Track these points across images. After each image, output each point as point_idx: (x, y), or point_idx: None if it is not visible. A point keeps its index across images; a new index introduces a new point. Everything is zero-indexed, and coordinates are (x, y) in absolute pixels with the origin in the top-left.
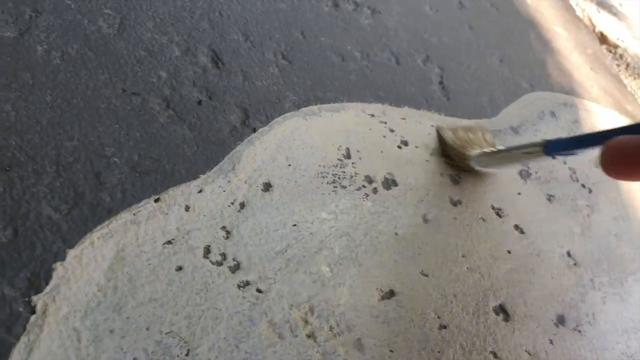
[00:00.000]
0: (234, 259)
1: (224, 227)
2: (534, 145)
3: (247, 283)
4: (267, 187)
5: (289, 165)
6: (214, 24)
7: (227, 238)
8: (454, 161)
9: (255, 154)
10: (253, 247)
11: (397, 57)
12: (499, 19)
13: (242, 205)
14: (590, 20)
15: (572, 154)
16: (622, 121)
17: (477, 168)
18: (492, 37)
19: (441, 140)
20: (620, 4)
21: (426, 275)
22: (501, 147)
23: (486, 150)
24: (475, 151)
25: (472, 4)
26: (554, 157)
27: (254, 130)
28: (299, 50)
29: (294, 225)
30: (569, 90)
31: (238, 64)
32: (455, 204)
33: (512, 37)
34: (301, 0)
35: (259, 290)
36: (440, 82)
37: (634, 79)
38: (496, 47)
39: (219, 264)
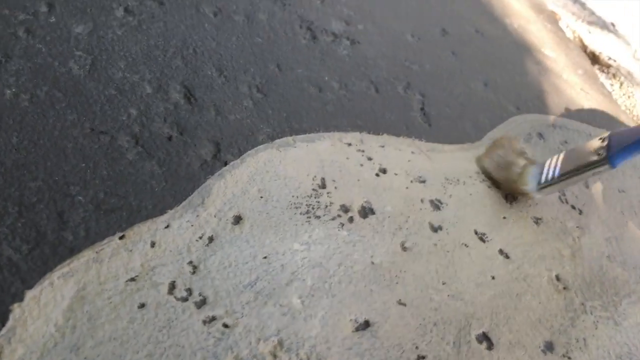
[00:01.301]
0: (200, 294)
1: (190, 262)
2: (597, 163)
3: (213, 318)
4: (238, 220)
5: (261, 197)
6: (187, 61)
7: (193, 273)
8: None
9: (226, 187)
10: (220, 281)
11: (376, 86)
12: (483, 45)
13: (211, 239)
14: (581, 41)
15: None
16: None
17: (538, 196)
18: (476, 62)
19: (488, 176)
20: (613, 24)
21: (404, 305)
22: (558, 171)
23: (547, 182)
24: (531, 184)
25: (455, 30)
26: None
27: (226, 164)
28: (274, 83)
29: (265, 257)
30: (558, 111)
31: (211, 99)
32: (436, 230)
33: (498, 61)
34: (278, 33)
35: (225, 325)
36: (422, 109)
37: (628, 97)
38: (480, 72)
39: (184, 299)
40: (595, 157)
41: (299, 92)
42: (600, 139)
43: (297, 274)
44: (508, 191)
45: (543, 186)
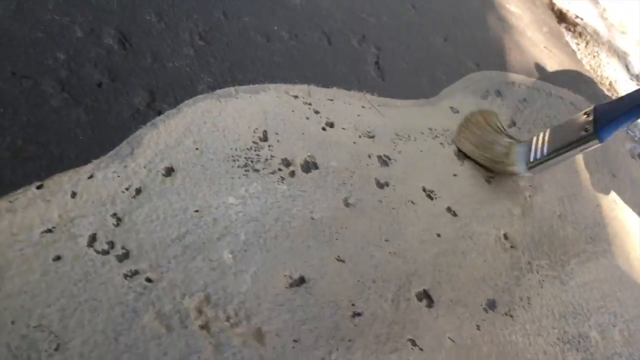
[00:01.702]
0: (122, 247)
1: (114, 214)
2: (585, 139)
3: (136, 272)
4: (169, 171)
5: (196, 149)
6: (124, 5)
7: (117, 225)
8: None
9: (159, 137)
10: (146, 235)
11: (329, 37)
12: None
13: (138, 191)
14: None
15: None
16: (576, 99)
17: (528, 175)
18: (437, 16)
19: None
20: None
21: (342, 261)
22: (546, 148)
23: (536, 160)
24: (520, 164)
25: None
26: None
27: (160, 113)
28: (218, 31)
29: (196, 211)
30: (520, 69)
31: (148, 45)
32: (382, 186)
33: (460, 16)
34: None
35: (148, 280)
36: (376, 63)
37: (593, 57)
38: (441, 27)
39: (105, 252)
40: (583, 133)
41: (245, 41)
42: (585, 113)
43: (230, 228)
44: (494, 171)
45: (532, 165)
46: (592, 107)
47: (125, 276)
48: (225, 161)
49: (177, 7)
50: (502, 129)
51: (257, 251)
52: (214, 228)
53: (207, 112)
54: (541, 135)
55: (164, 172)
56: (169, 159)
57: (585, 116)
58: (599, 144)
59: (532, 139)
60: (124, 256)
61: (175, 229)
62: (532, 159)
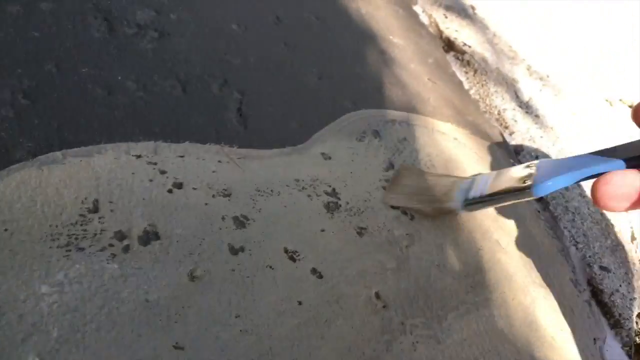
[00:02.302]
0: None
1: None
2: (520, 191)
3: None
4: None
5: (6, 229)
6: None
7: None
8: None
9: None
10: None
11: (184, 85)
12: (322, 33)
13: None
14: (437, 26)
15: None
16: (460, 134)
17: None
18: (311, 53)
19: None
20: (473, 7)
21: (181, 348)
22: (485, 190)
23: (475, 199)
24: (457, 200)
25: (291, 17)
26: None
27: None
28: (47, 86)
29: None
30: (401, 105)
31: None
32: (236, 252)
33: (337, 52)
34: (63, 26)
35: None
36: (239, 109)
37: (482, 85)
38: (315, 64)
39: None
40: (521, 184)
41: (80, 95)
42: (528, 165)
43: (40, 324)
44: (432, 213)
45: (469, 203)
46: (537, 160)
47: None
48: (42, 242)
49: None
50: (437, 175)
51: (73, 349)
52: (19, 327)
53: (23, 183)
54: (486, 175)
55: None
56: None
57: (528, 168)
58: (533, 198)
59: (475, 177)
60: None
61: None
62: (470, 197)
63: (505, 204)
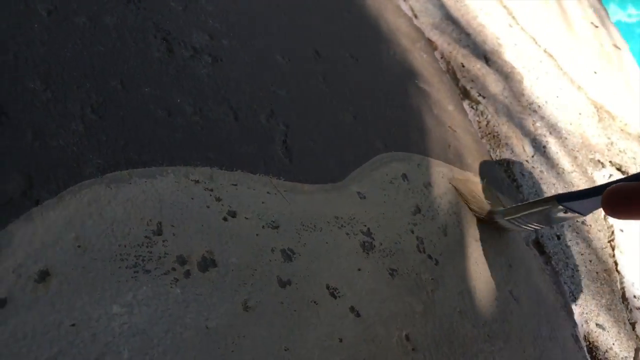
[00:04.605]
0: None
1: None
2: (546, 201)
3: None
4: (44, 276)
5: (78, 246)
6: (4, 69)
7: None
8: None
9: (35, 233)
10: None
11: (236, 112)
12: (357, 71)
13: (3, 303)
14: (454, 74)
15: (580, 214)
16: (477, 185)
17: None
18: (347, 91)
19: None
20: (488, 58)
21: None
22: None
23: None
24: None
25: (329, 53)
26: (566, 211)
27: (37, 203)
28: (114, 103)
29: (72, 325)
30: (425, 149)
31: (29, 119)
32: (284, 285)
33: (370, 92)
34: (126, 43)
35: None
36: (284, 141)
37: (493, 137)
38: (351, 103)
39: None
40: (545, 198)
41: (144, 115)
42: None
43: (112, 345)
44: (485, 217)
45: (507, 214)
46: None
47: None
48: (112, 261)
49: (68, 73)
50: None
51: None
52: (92, 346)
53: (95, 201)
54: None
55: (36, 277)
56: (45, 260)
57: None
58: (557, 206)
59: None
60: None
61: (46, 349)
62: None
63: (533, 211)
